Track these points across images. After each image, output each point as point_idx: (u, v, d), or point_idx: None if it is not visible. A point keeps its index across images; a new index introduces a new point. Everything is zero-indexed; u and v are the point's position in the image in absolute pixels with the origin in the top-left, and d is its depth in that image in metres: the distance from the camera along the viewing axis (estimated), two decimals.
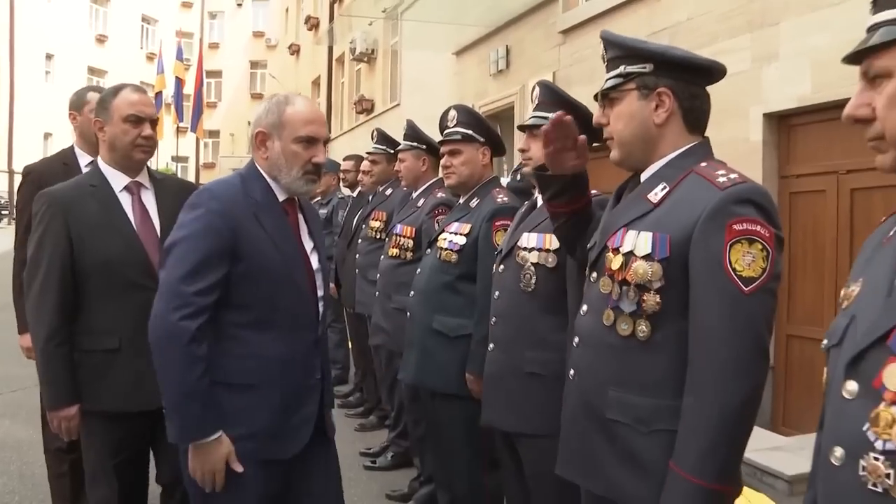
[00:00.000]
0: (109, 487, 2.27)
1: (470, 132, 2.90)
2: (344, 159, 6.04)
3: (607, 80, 1.69)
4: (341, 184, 6.15)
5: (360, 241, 4.59)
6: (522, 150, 2.44)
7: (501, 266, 2.41)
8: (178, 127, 20.30)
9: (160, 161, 25.83)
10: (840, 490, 0.96)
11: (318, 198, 5.84)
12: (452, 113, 2.95)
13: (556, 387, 1.87)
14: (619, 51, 1.67)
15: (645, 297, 1.53)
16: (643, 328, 1.54)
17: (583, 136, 1.86)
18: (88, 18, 32.64)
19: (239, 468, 1.86)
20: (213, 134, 34.76)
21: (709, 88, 1.70)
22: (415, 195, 3.74)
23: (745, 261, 1.44)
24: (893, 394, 0.90)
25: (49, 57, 29.85)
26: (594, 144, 2.12)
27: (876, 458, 0.91)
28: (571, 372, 1.72)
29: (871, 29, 1.03)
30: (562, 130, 1.80)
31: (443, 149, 2.97)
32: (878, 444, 0.91)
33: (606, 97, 1.70)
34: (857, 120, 1.05)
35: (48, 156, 3.32)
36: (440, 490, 3.12)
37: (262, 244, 1.90)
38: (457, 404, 2.75)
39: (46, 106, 27.61)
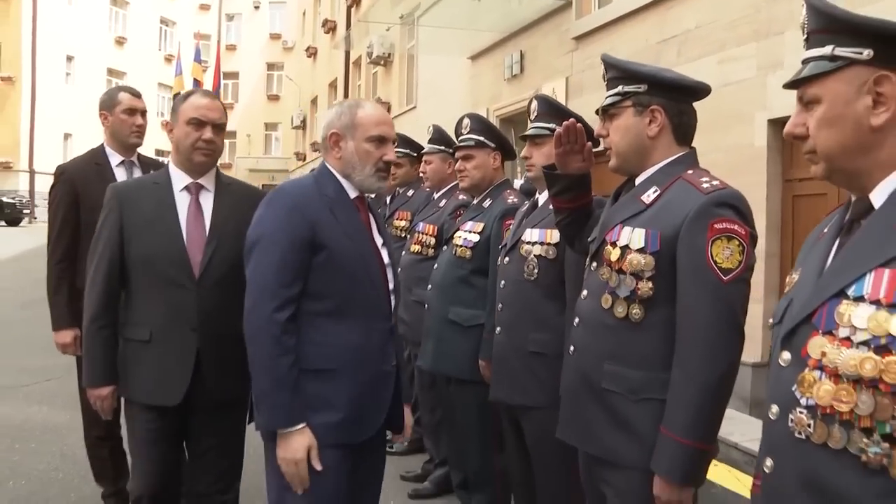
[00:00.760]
0: (147, 470, 2.36)
1: (482, 138, 3.13)
2: None
3: (607, 97, 1.93)
4: None
5: None
6: (525, 158, 2.68)
7: (507, 258, 2.64)
8: None
9: None
10: (775, 439, 1.18)
11: None
12: (466, 121, 3.19)
13: (556, 364, 2.13)
14: (618, 72, 1.92)
15: (639, 284, 1.76)
16: (637, 311, 1.78)
17: (590, 143, 2.12)
18: (108, 21, 32.94)
19: (318, 466, 1.91)
20: (230, 135, 34.57)
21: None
22: (437, 196, 3.93)
23: (725, 254, 1.68)
24: (815, 360, 1.10)
25: (69, 59, 30.07)
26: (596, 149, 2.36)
27: (801, 412, 1.12)
28: (571, 348, 1.96)
29: (805, 62, 1.23)
30: (572, 135, 2.07)
31: (457, 154, 3.20)
32: (803, 401, 1.12)
33: (606, 112, 1.94)
34: (795, 137, 1.26)
35: (78, 155, 3.33)
36: (453, 470, 3.35)
37: (338, 236, 1.99)
38: (470, 389, 2.97)
39: (67, 107, 28.03)
